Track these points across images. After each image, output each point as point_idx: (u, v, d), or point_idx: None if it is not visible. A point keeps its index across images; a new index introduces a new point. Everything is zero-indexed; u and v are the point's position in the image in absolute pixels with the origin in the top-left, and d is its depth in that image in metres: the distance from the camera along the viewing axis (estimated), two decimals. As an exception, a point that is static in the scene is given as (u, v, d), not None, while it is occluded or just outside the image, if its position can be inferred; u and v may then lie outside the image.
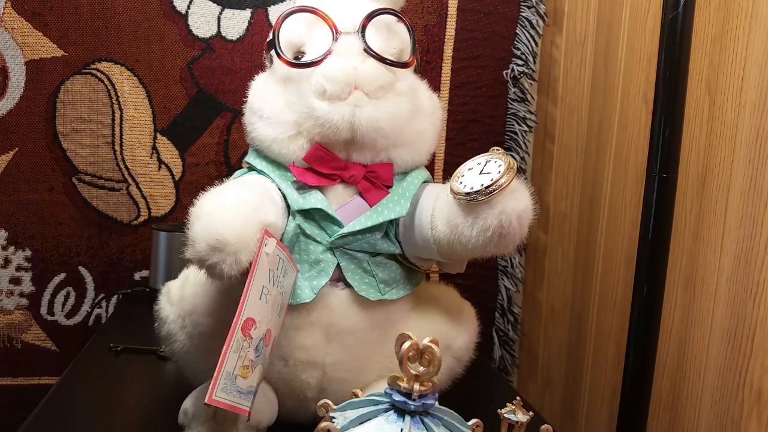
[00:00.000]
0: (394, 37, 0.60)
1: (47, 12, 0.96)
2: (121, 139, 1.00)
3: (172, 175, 1.01)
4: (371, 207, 0.57)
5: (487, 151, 0.53)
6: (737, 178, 0.63)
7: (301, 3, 0.59)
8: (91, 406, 0.63)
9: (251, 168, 0.60)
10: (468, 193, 0.50)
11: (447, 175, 1.04)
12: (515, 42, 1.03)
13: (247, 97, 0.61)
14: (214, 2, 0.99)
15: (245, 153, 1.03)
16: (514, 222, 0.49)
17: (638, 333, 0.63)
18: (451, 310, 0.63)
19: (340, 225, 0.56)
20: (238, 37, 1.00)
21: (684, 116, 0.61)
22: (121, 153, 1.00)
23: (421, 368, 0.39)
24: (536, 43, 1.03)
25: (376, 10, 0.58)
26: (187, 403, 0.55)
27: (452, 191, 0.52)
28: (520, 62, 1.03)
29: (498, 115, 1.05)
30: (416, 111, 0.60)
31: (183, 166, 1.01)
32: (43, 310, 1.01)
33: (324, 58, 0.56)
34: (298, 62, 0.57)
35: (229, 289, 0.55)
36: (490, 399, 0.72)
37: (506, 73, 1.04)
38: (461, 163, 0.54)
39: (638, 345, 0.63)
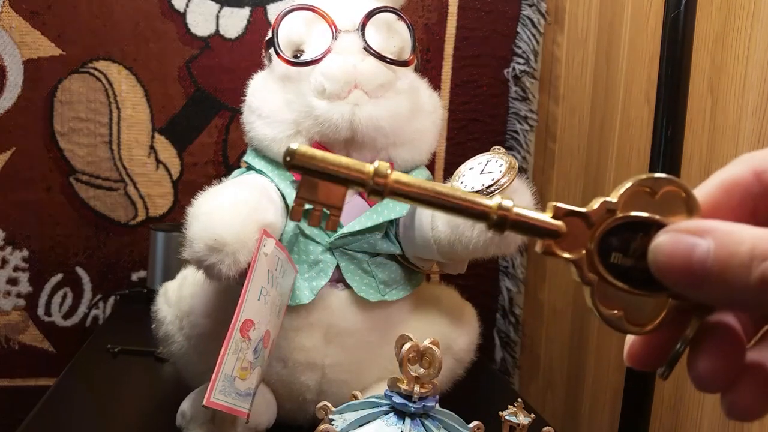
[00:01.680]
0: (394, 36, 0.60)
1: (45, 11, 0.95)
2: (118, 138, 0.99)
3: (170, 174, 1.01)
4: (371, 207, 0.57)
5: (488, 151, 0.53)
6: (740, 178, 0.63)
7: (300, 1, 0.59)
8: (89, 407, 0.63)
9: (250, 167, 0.60)
10: (469, 193, 0.49)
11: (447, 174, 1.04)
12: (516, 40, 1.03)
13: (245, 96, 0.61)
14: (212, 1, 0.98)
15: (244, 152, 1.02)
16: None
17: (640, 334, 0.62)
18: (451, 312, 0.62)
19: (339, 225, 0.55)
20: (236, 35, 0.99)
21: (686, 115, 0.60)
22: (119, 152, 0.99)
23: (422, 370, 0.39)
24: (537, 42, 1.03)
25: (376, 8, 0.57)
26: (185, 405, 0.55)
27: (453, 191, 0.51)
28: (521, 61, 1.03)
29: (499, 114, 1.04)
30: (416, 110, 0.59)
31: (181, 165, 1.01)
32: (41, 311, 1.00)
33: (323, 57, 0.55)
34: (297, 61, 0.57)
35: (228, 290, 0.54)
36: (491, 401, 0.72)
37: (507, 72, 1.03)
38: (461, 163, 0.53)
39: (640, 346, 0.62)
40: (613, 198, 0.21)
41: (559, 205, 0.21)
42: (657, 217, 0.21)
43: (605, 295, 0.21)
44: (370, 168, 0.21)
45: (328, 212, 0.22)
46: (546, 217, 0.21)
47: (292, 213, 0.22)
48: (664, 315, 0.21)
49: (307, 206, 0.22)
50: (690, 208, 0.21)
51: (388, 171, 0.21)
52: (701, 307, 0.21)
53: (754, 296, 0.18)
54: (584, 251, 0.21)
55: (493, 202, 0.21)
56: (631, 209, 0.21)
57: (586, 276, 0.21)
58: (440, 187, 0.21)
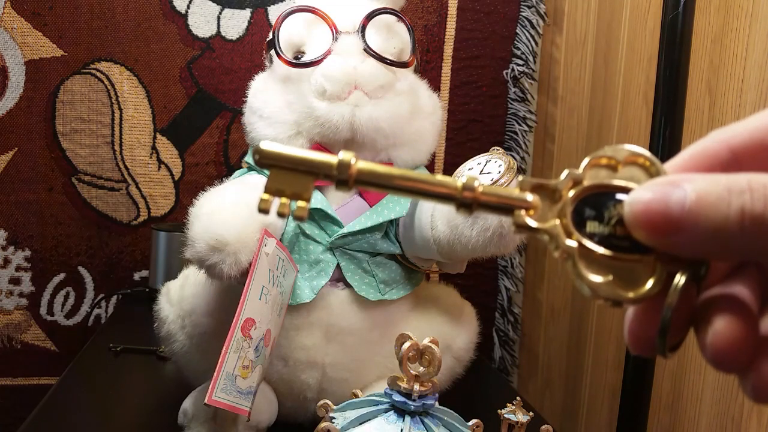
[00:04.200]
0: (394, 37, 0.60)
1: (47, 12, 0.95)
2: (120, 139, 1.00)
3: (172, 175, 1.01)
4: (371, 207, 0.57)
5: (487, 151, 0.53)
6: (737, 178, 0.63)
7: (300, 2, 0.59)
8: (91, 406, 0.63)
9: (251, 168, 0.60)
10: (468, 193, 0.50)
11: (447, 175, 1.04)
12: (515, 42, 1.03)
13: (246, 97, 0.61)
14: (213, 2, 0.99)
15: (245, 153, 1.03)
16: (515, 222, 0.49)
17: (638, 333, 0.63)
18: (451, 310, 0.63)
19: (340, 225, 0.56)
20: (237, 36, 1.00)
21: (684, 116, 0.60)
22: (121, 153, 1.00)
23: (421, 368, 0.39)
24: (536, 43, 1.03)
25: (376, 10, 0.58)
26: (187, 404, 0.55)
27: (452, 191, 0.52)
28: (520, 62, 1.03)
29: (498, 114, 1.05)
30: (416, 111, 0.60)
31: (183, 166, 1.01)
32: (43, 310, 1.00)
33: (324, 58, 0.56)
34: (297, 62, 0.57)
35: (229, 289, 0.54)
36: (490, 399, 0.72)
37: (506, 73, 1.04)
38: (461, 163, 0.54)
39: (638, 345, 0.63)
40: (578, 170, 0.20)
41: (526, 179, 0.21)
42: (629, 183, 0.20)
43: (589, 264, 0.20)
44: (335, 161, 0.21)
45: (296, 204, 0.22)
46: (514, 192, 0.21)
47: (260, 204, 0.22)
48: (656, 280, 0.20)
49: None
50: (656, 174, 0.20)
51: (353, 161, 0.21)
52: (691, 267, 0.19)
53: (736, 235, 0.17)
54: (557, 221, 0.20)
55: (458, 182, 0.20)
56: (596, 179, 0.20)
57: (563, 245, 0.20)
58: (406, 172, 0.21)
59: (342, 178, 0.21)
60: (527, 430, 0.46)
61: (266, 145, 0.21)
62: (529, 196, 0.21)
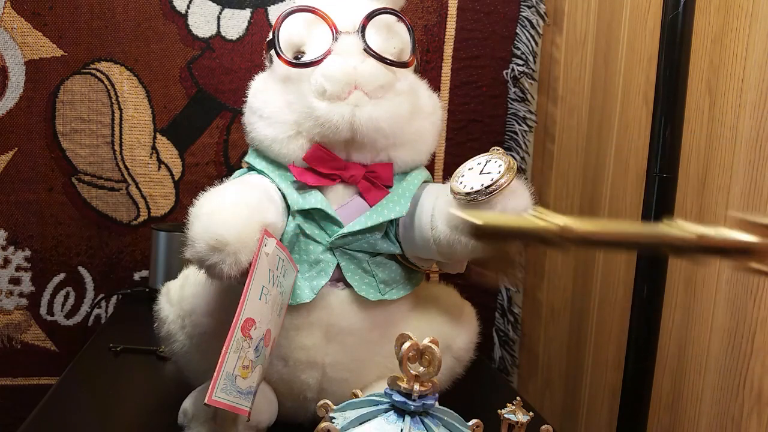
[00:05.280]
0: (394, 37, 0.60)
1: (47, 12, 0.96)
2: (120, 139, 1.00)
3: (172, 175, 1.01)
4: (371, 207, 0.57)
5: (487, 151, 0.53)
6: (737, 179, 0.63)
7: (300, 2, 0.59)
8: (91, 406, 0.63)
9: (251, 168, 0.60)
10: (468, 193, 0.50)
11: (447, 175, 1.04)
12: (515, 42, 1.03)
13: (246, 96, 0.61)
14: (213, 2, 0.99)
15: (245, 153, 1.03)
16: (515, 222, 0.49)
17: (638, 333, 0.63)
18: (451, 311, 0.63)
19: (340, 225, 0.56)
20: (237, 36, 1.00)
21: (684, 116, 0.60)
22: (121, 153, 1.00)
23: (421, 368, 0.39)
24: (536, 43, 1.03)
25: (376, 10, 0.58)
26: (187, 404, 0.55)
27: (452, 191, 0.52)
28: (520, 62, 1.03)
29: (498, 114, 1.05)
30: (416, 111, 0.59)
31: (183, 166, 1.01)
32: (43, 310, 1.00)
33: (324, 58, 0.56)
34: (297, 62, 0.57)
35: (229, 290, 0.54)
36: (490, 399, 0.72)
37: (506, 73, 1.04)
38: (461, 163, 0.54)
39: (638, 345, 0.63)
40: None
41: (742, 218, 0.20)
42: None
43: None
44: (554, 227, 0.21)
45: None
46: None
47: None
48: None
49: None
50: None
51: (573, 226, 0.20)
52: None
53: None
54: None
55: (690, 233, 0.20)
56: None
57: None
58: (626, 228, 0.21)
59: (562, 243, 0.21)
60: (527, 430, 0.46)
61: (487, 219, 0.21)
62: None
